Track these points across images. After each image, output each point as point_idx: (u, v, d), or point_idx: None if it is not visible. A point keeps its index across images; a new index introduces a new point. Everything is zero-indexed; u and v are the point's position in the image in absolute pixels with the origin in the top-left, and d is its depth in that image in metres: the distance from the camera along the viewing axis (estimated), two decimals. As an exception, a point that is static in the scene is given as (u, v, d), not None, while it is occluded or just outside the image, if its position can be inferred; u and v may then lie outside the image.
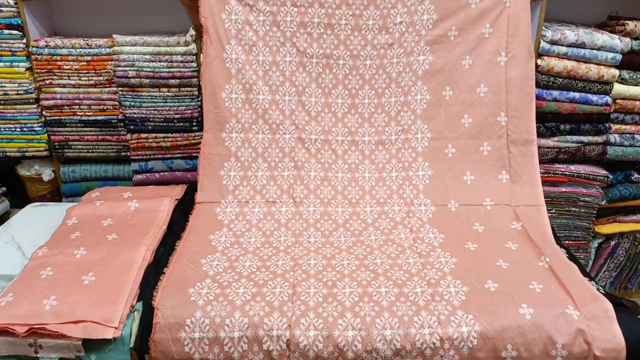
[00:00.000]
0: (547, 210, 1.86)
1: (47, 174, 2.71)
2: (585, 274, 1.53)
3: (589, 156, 2.50)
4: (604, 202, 2.57)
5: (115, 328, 1.30)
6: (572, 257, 1.62)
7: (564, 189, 2.54)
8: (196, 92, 2.56)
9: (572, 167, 2.52)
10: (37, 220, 1.95)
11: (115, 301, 1.35)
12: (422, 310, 1.37)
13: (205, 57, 1.76)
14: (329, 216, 1.79)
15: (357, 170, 1.83)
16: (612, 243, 2.70)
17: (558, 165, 2.52)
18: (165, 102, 2.57)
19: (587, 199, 2.55)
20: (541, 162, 2.47)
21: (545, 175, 2.49)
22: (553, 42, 2.29)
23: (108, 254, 1.52)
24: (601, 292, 1.45)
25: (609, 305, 1.39)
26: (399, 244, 1.64)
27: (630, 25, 2.31)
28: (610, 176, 2.51)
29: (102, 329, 1.29)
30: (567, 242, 2.64)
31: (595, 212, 2.59)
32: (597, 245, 2.71)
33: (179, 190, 1.96)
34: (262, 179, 1.82)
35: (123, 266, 1.47)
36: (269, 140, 1.82)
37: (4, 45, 2.47)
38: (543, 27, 2.32)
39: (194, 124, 2.61)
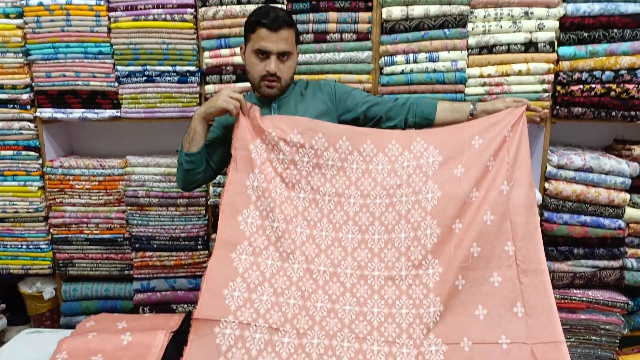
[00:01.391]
0: (566, 338, 1.74)
1: (48, 292, 2.66)
2: None
3: (606, 281, 2.41)
4: (626, 331, 2.43)
5: None
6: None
7: (582, 316, 2.41)
8: (203, 212, 2.58)
9: (590, 293, 2.41)
10: (29, 351, 1.87)
11: None
12: None
13: (229, 183, 1.79)
14: (333, 351, 1.68)
15: (366, 305, 1.75)
16: (641, 375, 2.51)
17: (575, 291, 2.42)
18: (173, 220, 2.58)
19: (607, 327, 2.42)
20: (557, 287, 2.38)
21: (562, 301, 2.39)
22: (560, 167, 2.29)
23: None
24: None
25: None
26: (407, 390, 1.51)
27: (637, 150, 2.32)
28: (630, 302, 2.40)
29: None
30: (590, 373, 2.47)
31: (617, 341, 2.45)
32: (623, 377, 2.53)
33: (176, 320, 1.89)
34: (266, 304, 1.74)
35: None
36: (277, 267, 1.78)
37: (20, 165, 2.55)
38: (549, 152, 2.35)
39: (199, 242, 2.60)
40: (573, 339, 2.43)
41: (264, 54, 1.76)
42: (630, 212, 2.32)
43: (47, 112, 2.47)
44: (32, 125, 2.51)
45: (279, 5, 2.21)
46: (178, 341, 1.80)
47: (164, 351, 1.68)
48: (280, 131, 1.78)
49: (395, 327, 1.71)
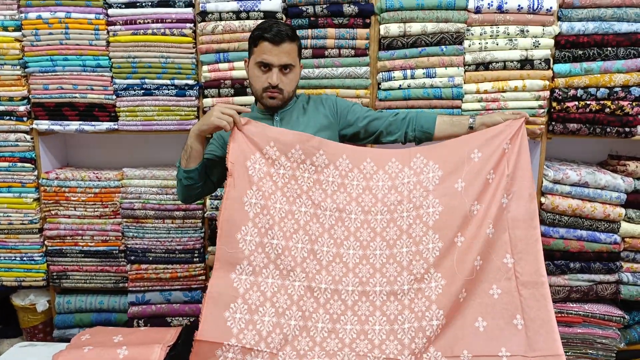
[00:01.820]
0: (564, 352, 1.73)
1: (41, 304, 2.63)
2: None
3: (602, 295, 2.42)
4: (622, 345, 2.44)
5: None
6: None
7: (579, 330, 2.42)
8: (200, 224, 2.57)
9: (586, 307, 2.42)
10: (23, 365, 1.85)
11: None
12: None
13: (226, 199, 1.76)
14: (332, 369, 1.66)
15: (367, 323, 1.74)
16: (637, 390, 2.52)
17: (571, 305, 2.43)
18: (169, 233, 2.57)
19: (604, 340, 2.43)
20: (553, 301, 2.36)
21: (559, 315, 2.40)
22: (556, 182, 2.31)
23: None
24: None
25: None
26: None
27: (632, 166, 2.35)
28: (626, 316, 2.41)
29: None
30: (587, 387, 2.47)
31: (614, 355, 2.46)
32: (620, 391, 2.53)
33: (172, 335, 1.87)
34: (268, 325, 1.72)
35: None
36: (278, 286, 1.76)
37: (15, 177, 2.53)
38: (545, 167, 2.37)
39: (196, 255, 2.59)
40: (570, 353, 2.43)
41: (266, 67, 1.77)
42: (625, 226, 2.34)
43: (43, 124, 2.47)
44: (28, 137, 2.50)
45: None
46: (175, 355, 1.78)
47: (161, 366, 1.67)
48: (283, 145, 1.78)
49: (397, 344, 1.70)
